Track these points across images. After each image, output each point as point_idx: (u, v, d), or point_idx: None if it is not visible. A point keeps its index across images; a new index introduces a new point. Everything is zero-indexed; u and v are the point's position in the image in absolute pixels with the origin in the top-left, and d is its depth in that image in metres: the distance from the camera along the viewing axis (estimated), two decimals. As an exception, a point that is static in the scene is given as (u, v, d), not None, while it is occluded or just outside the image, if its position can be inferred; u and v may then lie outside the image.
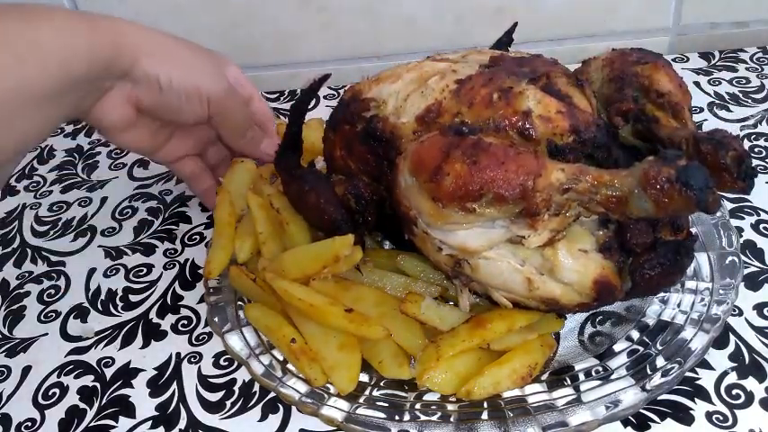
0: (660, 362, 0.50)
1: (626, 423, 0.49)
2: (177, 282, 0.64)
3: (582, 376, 0.51)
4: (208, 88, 0.56)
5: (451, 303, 0.55)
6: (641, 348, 0.52)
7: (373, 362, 0.52)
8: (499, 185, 0.44)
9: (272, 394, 0.53)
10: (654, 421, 0.49)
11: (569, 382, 0.51)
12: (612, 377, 0.50)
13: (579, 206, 0.45)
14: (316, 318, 0.52)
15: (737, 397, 0.50)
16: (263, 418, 0.52)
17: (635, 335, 0.54)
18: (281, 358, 0.54)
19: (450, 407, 0.50)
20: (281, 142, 0.59)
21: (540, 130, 0.49)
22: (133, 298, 0.63)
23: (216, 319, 0.56)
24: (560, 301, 0.49)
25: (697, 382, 0.51)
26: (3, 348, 0.60)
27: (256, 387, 0.54)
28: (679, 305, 0.55)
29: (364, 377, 0.53)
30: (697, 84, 0.82)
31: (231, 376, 0.55)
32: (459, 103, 0.51)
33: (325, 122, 0.59)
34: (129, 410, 0.54)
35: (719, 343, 0.53)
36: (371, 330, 0.51)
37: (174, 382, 0.55)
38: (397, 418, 0.49)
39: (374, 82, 0.56)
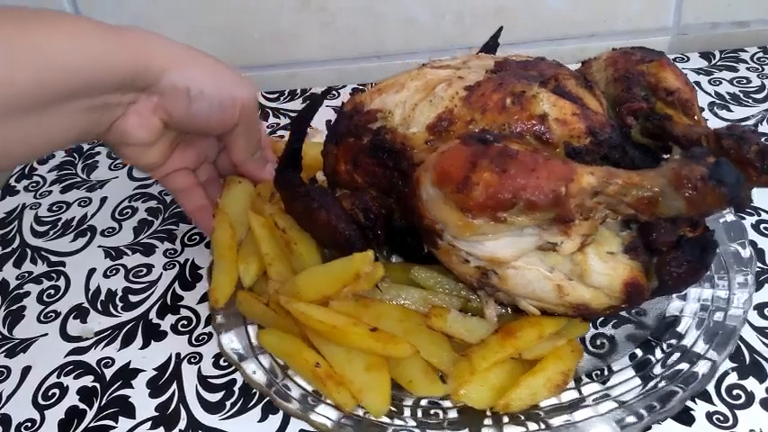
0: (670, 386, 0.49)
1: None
2: (177, 282, 0.64)
3: (584, 378, 0.51)
4: (241, 95, 0.56)
5: (470, 314, 0.53)
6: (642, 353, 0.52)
7: (402, 381, 0.51)
8: (531, 193, 0.43)
9: (272, 394, 0.53)
10: (655, 421, 0.49)
11: (574, 384, 0.51)
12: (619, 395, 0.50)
13: (606, 209, 0.45)
14: (339, 339, 0.50)
15: (738, 397, 0.50)
16: (263, 418, 0.52)
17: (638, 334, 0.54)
18: (301, 384, 0.52)
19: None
20: (281, 159, 0.58)
21: (556, 133, 0.48)
22: (133, 298, 0.63)
23: (230, 348, 0.54)
24: (590, 306, 0.48)
25: (697, 382, 0.51)
26: (2, 348, 0.60)
27: (256, 387, 0.54)
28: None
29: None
30: (697, 84, 0.82)
31: (231, 377, 0.55)
32: (472, 109, 0.50)
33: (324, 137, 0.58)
34: (128, 411, 0.54)
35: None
36: (399, 349, 0.49)
37: (174, 383, 0.55)
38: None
39: (376, 92, 0.55)
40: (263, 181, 0.64)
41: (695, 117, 0.51)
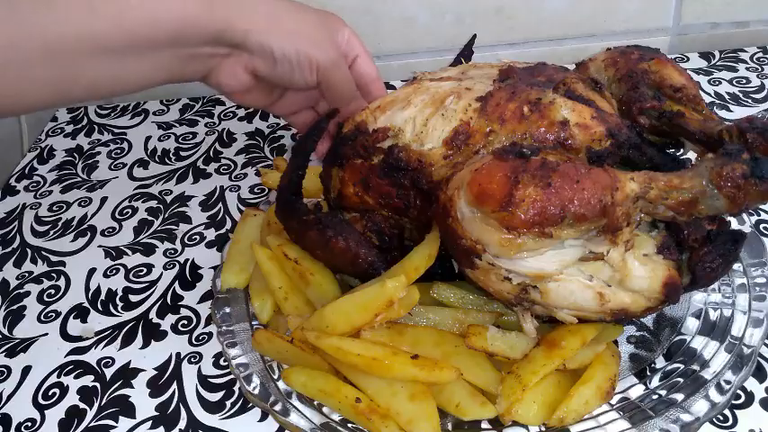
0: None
1: (626, 423, 0.49)
2: (177, 282, 0.64)
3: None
4: (317, 57, 0.56)
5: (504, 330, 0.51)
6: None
7: (449, 407, 0.48)
8: (579, 205, 0.42)
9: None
10: (654, 421, 0.49)
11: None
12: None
13: (641, 212, 0.44)
14: (379, 371, 0.47)
15: (738, 397, 0.50)
16: (263, 418, 0.52)
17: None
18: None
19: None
20: (281, 189, 0.55)
21: (578, 138, 0.48)
22: (133, 298, 0.63)
23: (256, 392, 0.50)
24: (629, 310, 0.47)
25: (697, 382, 0.51)
26: (3, 348, 0.60)
27: (256, 387, 0.54)
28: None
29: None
30: (697, 84, 0.82)
31: (231, 376, 0.55)
32: (489, 120, 0.49)
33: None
34: (129, 410, 0.54)
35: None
36: (444, 374, 0.47)
37: (174, 383, 0.55)
38: None
39: (377, 111, 0.54)
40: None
41: (704, 112, 0.51)
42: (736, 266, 0.56)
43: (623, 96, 0.53)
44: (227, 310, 0.57)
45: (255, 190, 0.74)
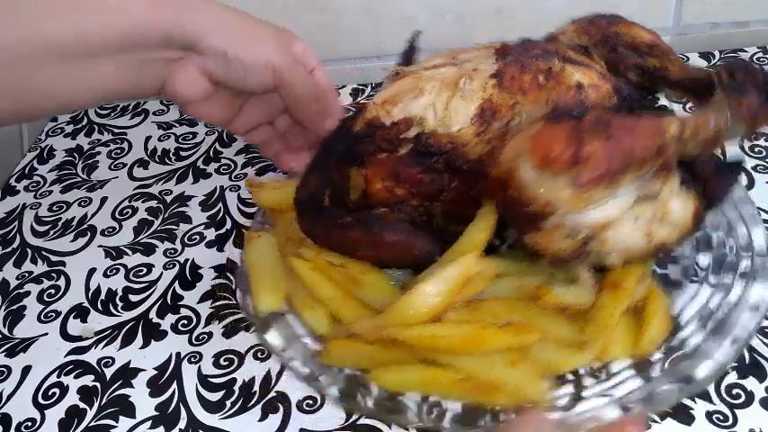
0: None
1: (626, 423, 0.49)
2: (177, 282, 0.64)
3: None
4: (273, 58, 0.56)
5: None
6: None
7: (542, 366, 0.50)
8: (641, 151, 0.46)
9: (273, 393, 0.53)
10: (654, 421, 0.49)
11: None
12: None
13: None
14: (475, 347, 0.48)
15: (738, 396, 0.50)
16: (264, 417, 0.52)
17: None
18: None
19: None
20: (307, 199, 0.54)
21: (592, 98, 0.52)
22: (133, 298, 0.63)
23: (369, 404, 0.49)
24: (667, 243, 0.51)
25: (697, 381, 0.51)
26: (3, 348, 0.60)
27: (256, 387, 0.54)
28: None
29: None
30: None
31: (231, 376, 0.55)
32: (511, 93, 0.52)
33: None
34: (129, 410, 0.54)
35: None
36: (532, 336, 0.48)
37: (174, 382, 0.55)
38: None
39: (389, 104, 0.54)
40: (323, 133, 0.61)
41: (679, 62, 0.57)
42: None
43: (606, 59, 0.57)
44: (276, 336, 0.54)
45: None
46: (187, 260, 0.66)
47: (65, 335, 0.60)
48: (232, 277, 0.63)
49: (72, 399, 0.55)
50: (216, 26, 0.55)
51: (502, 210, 0.50)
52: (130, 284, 0.65)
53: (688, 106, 0.71)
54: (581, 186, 0.46)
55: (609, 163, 0.46)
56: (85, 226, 0.72)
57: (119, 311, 0.62)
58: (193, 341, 0.58)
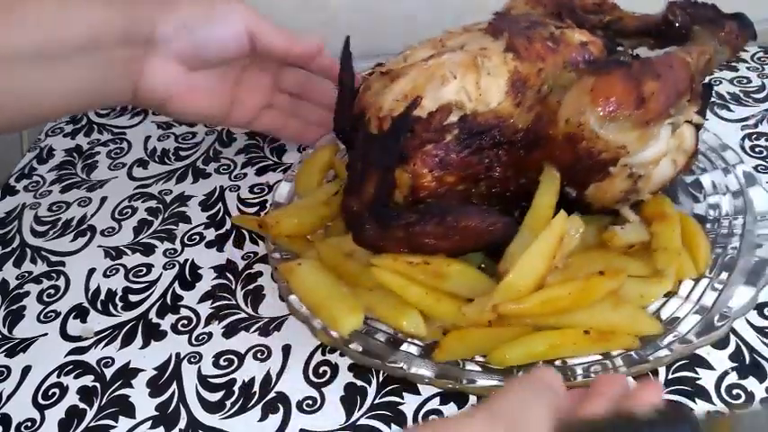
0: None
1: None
2: (177, 282, 0.64)
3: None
4: (238, 14, 0.56)
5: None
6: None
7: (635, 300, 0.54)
8: (682, 84, 0.53)
9: (273, 394, 0.53)
10: (654, 421, 0.49)
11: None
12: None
13: None
14: (584, 301, 0.51)
15: (738, 397, 0.50)
16: (263, 417, 0.52)
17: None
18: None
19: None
20: (364, 204, 0.52)
21: (594, 53, 0.57)
22: (133, 298, 0.63)
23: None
24: (684, 169, 0.57)
25: (697, 382, 0.51)
26: (2, 348, 0.60)
27: (256, 387, 0.54)
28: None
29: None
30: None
31: (231, 376, 0.55)
32: (532, 62, 0.55)
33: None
34: (128, 410, 0.54)
35: (720, 343, 0.53)
36: (621, 276, 0.52)
37: (174, 382, 0.55)
38: None
39: (411, 99, 0.53)
40: (315, 56, 0.63)
41: (629, 14, 0.64)
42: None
43: (573, 21, 0.62)
44: (358, 353, 0.53)
45: (255, 190, 0.74)
46: (187, 260, 0.66)
47: (64, 335, 0.60)
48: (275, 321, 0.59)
49: (72, 399, 0.55)
50: (164, 5, 0.54)
51: (568, 167, 0.53)
52: (130, 284, 0.65)
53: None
54: (647, 124, 0.51)
55: (666, 97, 0.51)
56: (85, 226, 0.72)
57: (118, 312, 0.62)
58: (193, 341, 0.58)
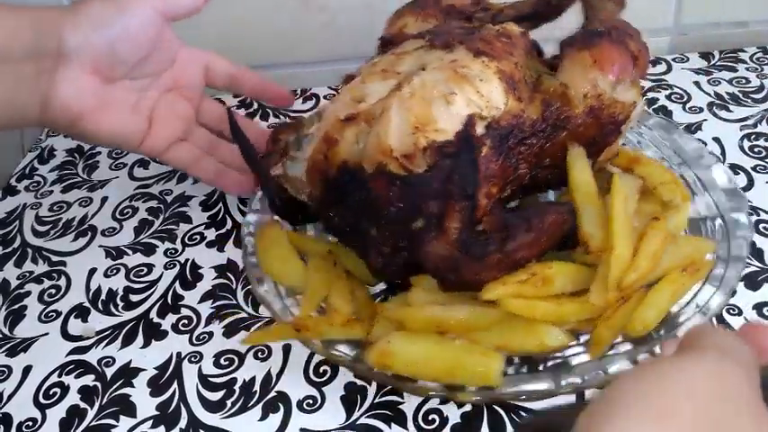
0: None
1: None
2: (178, 281, 0.64)
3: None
4: (140, 12, 0.54)
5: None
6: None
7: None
8: (637, 35, 0.60)
9: (273, 393, 0.54)
10: (654, 420, 0.49)
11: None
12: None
13: None
14: (667, 244, 0.54)
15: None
16: (264, 417, 0.52)
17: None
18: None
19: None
20: (451, 248, 0.48)
21: (529, 37, 0.61)
22: (134, 298, 0.63)
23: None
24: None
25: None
26: (3, 348, 0.60)
27: (257, 386, 0.54)
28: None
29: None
30: (697, 84, 0.82)
31: (232, 376, 0.55)
32: (506, 59, 0.55)
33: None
34: (129, 410, 0.54)
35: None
36: (671, 212, 0.57)
37: (175, 382, 0.55)
38: None
39: (428, 127, 0.50)
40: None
41: (501, 5, 0.67)
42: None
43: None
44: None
45: (255, 189, 0.74)
46: (187, 260, 0.67)
47: (65, 335, 0.61)
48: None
49: (73, 398, 0.55)
50: (76, 8, 0.52)
51: (590, 139, 0.56)
52: (131, 284, 0.65)
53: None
54: (640, 78, 0.57)
55: (646, 53, 0.58)
56: (86, 226, 0.72)
57: (119, 311, 0.62)
58: (194, 341, 0.59)
